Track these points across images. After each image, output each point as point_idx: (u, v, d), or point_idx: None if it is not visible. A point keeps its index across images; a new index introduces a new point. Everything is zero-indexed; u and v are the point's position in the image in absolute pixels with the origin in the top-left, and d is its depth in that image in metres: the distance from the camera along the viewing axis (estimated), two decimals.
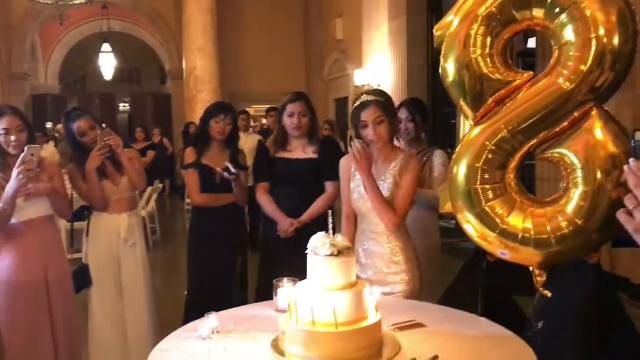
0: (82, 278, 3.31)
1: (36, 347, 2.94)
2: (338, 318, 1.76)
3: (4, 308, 2.90)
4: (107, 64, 16.09)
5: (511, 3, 2.06)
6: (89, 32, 16.40)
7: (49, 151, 9.81)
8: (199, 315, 2.08)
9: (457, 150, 2.24)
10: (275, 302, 2.27)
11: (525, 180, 5.80)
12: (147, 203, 7.81)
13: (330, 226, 1.93)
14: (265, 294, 2.70)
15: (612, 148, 1.93)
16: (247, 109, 9.69)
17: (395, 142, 3.45)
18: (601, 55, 1.90)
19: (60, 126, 9.78)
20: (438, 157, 3.34)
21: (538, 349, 1.91)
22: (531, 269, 2.18)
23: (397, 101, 3.84)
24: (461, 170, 2.16)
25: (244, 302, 3.30)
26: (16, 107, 3.16)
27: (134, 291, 3.40)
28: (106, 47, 15.51)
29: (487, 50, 2.11)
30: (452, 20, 2.20)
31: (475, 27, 2.10)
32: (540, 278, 2.15)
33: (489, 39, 2.11)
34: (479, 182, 2.12)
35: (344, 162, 2.79)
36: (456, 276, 3.63)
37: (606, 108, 2.04)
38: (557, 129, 2.03)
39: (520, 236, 2.05)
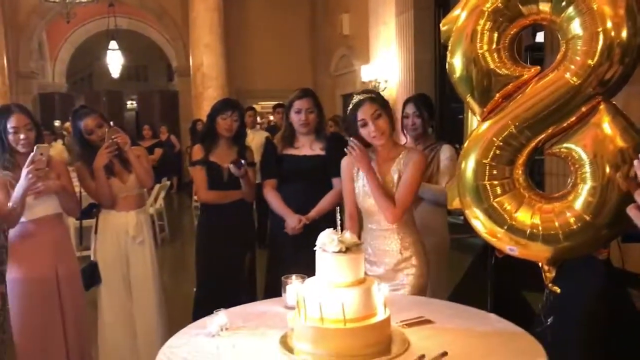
0: (91, 275, 3.32)
1: (48, 345, 2.96)
2: (346, 314, 1.76)
3: (16, 306, 2.92)
4: (114, 61, 16.12)
5: None
6: (95, 29, 16.45)
7: (57, 149, 9.87)
8: (208, 311, 2.09)
9: (465, 145, 2.23)
10: (283, 298, 2.27)
11: (534, 175, 5.79)
12: (155, 200, 7.83)
13: (339, 223, 1.93)
14: (274, 290, 2.71)
15: (620, 142, 1.92)
16: (254, 106, 9.70)
17: (402, 138, 3.45)
18: (609, 49, 1.89)
19: (68, 124, 9.83)
20: (445, 151, 3.33)
21: (547, 345, 1.90)
22: (540, 265, 2.17)
23: (404, 97, 3.84)
24: (469, 166, 2.16)
25: (252, 298, 3.32)
26: (23, 105, 3.17)
27: (142, 288, 3.41)
28: (113, 44, 15.54)
29: (494, 46, 2.10)
30: (459, 14, 2.19)
31: (482, 22, 2.09)
32: (549, 274, 2.14)
33: (495, 34, 2.09)
34: (487, 178, 2.12)
35: (344, 163, 2.79)
36: (465, 272, 3.63)
37: (615, 101, 2.03)
38: (565, 124, 2.01)
39: (528, 232, 2.04)
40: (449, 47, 2.20)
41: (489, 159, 2.10)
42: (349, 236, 1.88)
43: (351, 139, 2.64)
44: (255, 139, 6.66)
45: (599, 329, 2.63)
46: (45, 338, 2.95)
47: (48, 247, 2.97)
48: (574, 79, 1.95)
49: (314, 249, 1.88)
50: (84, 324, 3.17)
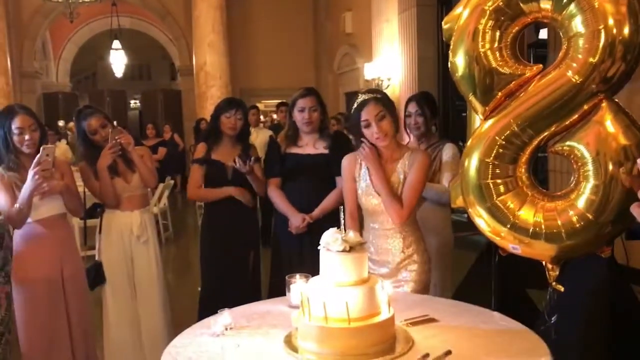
0: (95, 275, 3.33)
1: (54, 345, 2.97)
2: (351, 313, 1.76)
3: (22, 306, 2.93)
4: (118, 60, 16.13)
5: None
6: (98, 29, 16.47)
7: (62, 149, 9.90)
8: (214, 311, 2.10)
9: (468, 144, 2.23)
10: (287, 297, 2.28)
11: (538, 172, 5.79)
12: (159, 199, 7.84)
13: (342, 222, 1.94)
14: (278, 289, 2.72)
15: (622, 140, 1.92)
16: (257, 104, 9.70)
17: (405, 137, 3.44)
18: (611, 46, 1.89)
19: (71, 124, 9.85)
20: (447, 150, 3.32)
21: (551, 343, 1.90)
22: (544, 263, 2.17)
23: (407, 94, 3.83)
24: (472, 165, 2.16)
25: (256, 297, 3.32)
26: (27, 105, 3.18)
27: (147, 288, 3.42)
28: (116, 44, 15.55)
29: (496, 44, 2.10)
30: (461, 13, 2.18)
31: (484, 21, 2.09)
32: (552, 272, 2.14)
33: (497, 33, 2.10)
34: (490, 177, 2.12)
35: (345, 162, 2.78)
36: (469, 270, 3.62)
37: (617, 98, 2.02)
38: (567, 122, 2.02)
39: (531, 230, 2.04)
40: (451, 46, 2.20)
41: (491, 158, 2.10)
42: (352, 235, 1.88)
43: (362, 140, 2.62)
44: (259, 137, 6.67)
45: (603, 326, 2.63)
46: (51, 338, 2.96)
47: (53, 248, 2.98)
48: (576, 77, 1.95)
49: (318, 248, 1.89)
50: (89, 324, 3.19)
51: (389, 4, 9.20)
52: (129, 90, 19.26)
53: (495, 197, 2.12)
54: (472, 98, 2.18)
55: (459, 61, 2.17)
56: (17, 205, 2.76)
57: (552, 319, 2.46)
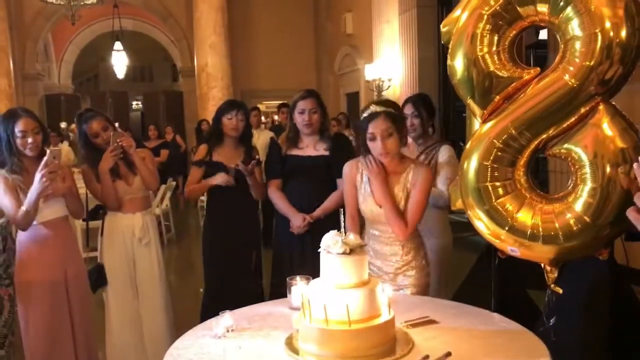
0: (97, 277, 3.35)
1: (57, 346, 2.98)
2: (351, 316, 1.78)
3: (26, 308, 2.95)
4: (119, 62, 16.15)
5: (515, 0, 2.05)
6: (100, 31, 16.48)
7: (64, 150, 9.92)
8: (216, 312, 2.11)
9: (467, 147, 2.24)
10: (288, 299, 2.29)
11: (538, 173, 5.79)
12: (161, 201, 7.85)
13: (342, 224, 1.95)
14: (279, 291, 2.73)
15: (619, 143, 1.93)
16: (258, 105, 9.71)
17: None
18: (608, 49, 1.89)
19: (73, 125, 9.86)
20: (443, 152, 3.31)
21: (551, 344, 1.91)
22: (542, 265, 2.18)
23: (408, 95, 3.84)
24: (471, 168, 2.17)
25: (258, 299, 3.34)
26: (29, 109, 3.20)
27: (149, 289, 3.43)
28: (118, 45, 15.57)
29: (494, 48, 2.11)
30: (459, 16, 2.19)
31: (481, 25, 2.10)
32: (551, 274, 2.15)
33: (495, 37, 2.10)
34: (488, 179, 2.13)
35: (347, 168, 2.76)
36: (469, 271, 3.63)
37: (618, 98, 2.03)
38: (565, 125, 2.02)
39: (529, 232, 2.05)
40: (450, 49, 2.21)
41: (490, 161, 2.11)
42: (353, 238, 1.89)
43: (368, 157, 2.58)
44: (260, 138, 6.68)
45: (603, 327, 2.63)
46: (54, 339, 2.98)
47: (57, 250, 3.00)
48: (573, 80, 1.95)
49: (319, 250, 1.90)
50: (91, 325, 3.20)
51: (389, 5, 9.21)
52: (131, 91, 19.28)
53: (493, 200, 2.13)
54: (470, 101, 2.19)
55: (457, 64, 2.18)
56: (23, 208, 2.78)
57: (551, 321, 2.47)
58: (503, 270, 3.03)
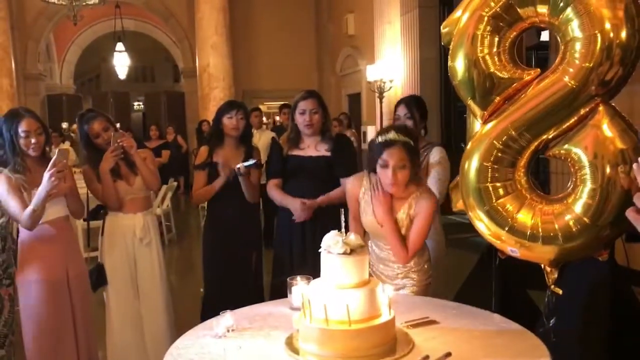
0: (98, 277, 3.35)
1: (59, 346, 2.99)
2: (351, 316, 1.78)
3: (29, 307, 2.96)
4: (121, 63, 16.19)
5: (515, 2, 2.05)
6: (102, 31, 16.51)
7: None
8: (217, 312, 2.11)
9: (468, 148, 2.24)
10: (289, 299, 2.29)
11: (539, 174, 5.79)
12: (162, 201, 7.87)
13: (343, 225, 1.95)
14: (279, 291, 2.73)
15: (619, 144, 1.93)
16: (260, 106, 9.72)
17: None
18: (608, 50, 1.89)
19: (75, 126, 9.87)
20: (435, 153, 3.29)
21: (551, 345, 1.91)
22: (542, 266, 2.18)
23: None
24: (472, 168, 2.17)
25: (258, 299, 3.34)
26: (31, 109, 3.20)
27: (149, 289, 3.43)
28: (120, 46, 15.61)
29: (495, 49, 2.11)
30: (460, 17, 2.19)
31: (482, 26, 2.10)
32: (551, 275, 2.15)
33: (496, 38, 2.11)
34: (489, 180, 2.13)
35: (349, 186, 2.72)
36: (470, 272, 3.63)
37: (618, 99, 2.03)
38: (565, 126, 2.02)
39: (528, 233, 2.05)
40: (450, 50, 2.21)
41: (490, 162, 2.11)
42: (353, 238, 1.90)
43: (375, 181, 2.54)
44: (262, 139, 6.69)
45: (603, 328, 2.64)
46: (57, 339, 2.99)
47: (59, 249, 3.01)
48: (572, 82, 1.95)
49: (319, 250, 1.91)
50: (92, 325, 3.21)
51: (391, 6, 9.22)
52: (133, 92, 19.32)
53: (494, 200, 2.13)
54: (470, 102, 2.19)
55: (458, 65, 2.18)
56: (31, 207, 2.79)
57: (551, 321, 2.47)
58: (503, 271, 3.04)
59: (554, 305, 2.45)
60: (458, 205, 2.39)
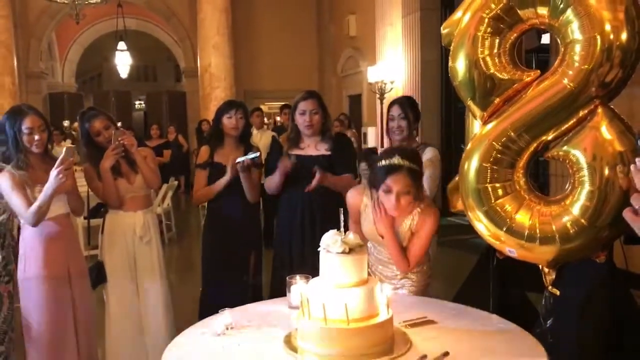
0: (97, 274, 3.36)
1: (61, 343, 3.00)
2: (350, 314, 1.79)
3: (32, 304, 2.96)
4: (123, 62, 16.20)
5: (515, 3, 2.06)
6: (104, 30, 16.52)
7: None
8: (214, 310, 2.12)
9: (467, 148, 2.25)
10: (288, 298, 2.30)
11: (539, 176, 5.80)
12: (163, 200, 7.88)
13: (342, 224, 1.96)
14: (278, 290, 2.74)
15: (617, 146, 1.93)
16: (261, 106, 9.73)
17: (386, 140, 3.44)
18: (608, 51, 1.89)
19: (76, 124, 9.88)
20: (428, 152, 3.28)
21: (548, 346, 1.92)
22: (540, 267, 2.19)
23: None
24: (471, 169, 2.17)
25: (257, 298, 3.35)
26: (34, 106, 3.22)
27: (149, 287, 3.44)
28: (122, 45, 15.62)
29: (495, 50, 2.11)
30: (461, 18, 2.20)
31: (482, 28, 2.11)
32: (549, 276, 2.16)
33: (497, 40, 2.11)
34: (488, 181, 2.13)
35: (351, 200, 2.69)
36: (469, 273, 3.64)
37: (618, 102, 2.04)
38: (563, 128, 2.02)
39: (526, 234, 2.06)
40: (452, 50, 2.22)
41: (490, 163, 2.12)
42: (352, 237, 1.91)
43: (377, 202, 2.50)
44: (263, 139, 6.70)
45: (600, 329, 2.64)
46: (58, 336, 2.99)
47: (61, 246, 3.02)
48: (571, 84, 1.96)
49: (318, 249, 1.91)
50: (92, 322, 3.22)
51: (392, 8, 9.23)
52: (134, 91, 19.32)
53: (493, 200, 2.13)
54: (470, 103, 2.20)
55: (458, 66, 2.19)
56: (37, 204, 2.80)
57: (548, 322, 2.48)
58: (501, 272, 3.04)
59: (551, 306, 2.46)
60: (458, 205, 2.40)
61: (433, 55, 8.47)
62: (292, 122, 3.42)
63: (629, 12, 1.88)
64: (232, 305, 2.23)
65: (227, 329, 2.06)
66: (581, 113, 1.98)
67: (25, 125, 2.90)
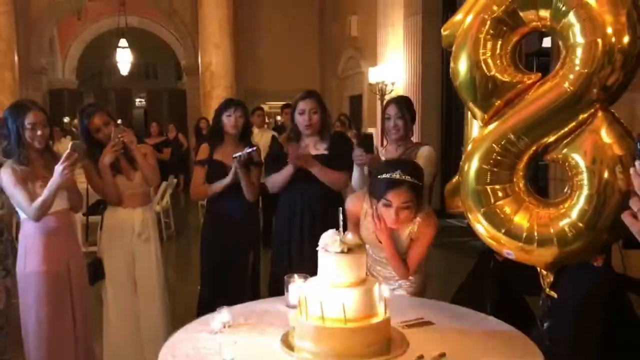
0: (95, 270, 3.36)
1: (59, 338, 3.00)
2: (347, 314, 1.79)
3: (32, 299, 2.96)
4: (124, 59, 16.19)
5: (517, 5, 2.06)
6: (106, 27, 16.52)
7: (67, 146, 9.93)
8: (212, 309, 2.12)
9: (468, 149, 2.25)
10: (285, 297, 2.30)
11: (538, 180, 5.80)
12: (162, 198, 7.88)
13: (341, 224, 1.96)
14: (277, 289, 2.74)
15: (617, 150, 1.93)
16: (262, 105, 9.73)
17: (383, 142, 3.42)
18: (609, 55, 1.89)
19: (77, 121, 9.87)
20: (424, 149, 3.26)
21: (545, 348, 1.92)
22: (538, 269, 2.19)
23: (411, 99, 3.82)
24: (471, 170, 2.17)
25: (255, 296, 3.35)
26: (36, 102, 3.21)
27: (147, 285, 3.45)
28: (123, 42, 15.61)
29: (497, 52, 2.11)
30: (464, 19, 2.20)
31: (484, 29, 2.11)
32: (547, 279, 2.16)
33: (498, 42, 2.11)
34: (488, 182, 2.13)
35: (350, 206, 2.67)
36: (466, 275, 3.64)
37: (619, 106, 2.04)
38: (563, 131, 2.02)
39: (524, 236, 2.06)
40: (453, 52, 2.22)
41: (489, 165, 2.12)
42: (351, 237, 1.91)
43: (376, 214, 2.49)
44: (263, 138, 6.70)
45: (596, 333, 2.64)
46: (56, 332, 2.99)
47: (61, 241, 3.02)
48: (572, 87, 1.95)
49: (317, 249, 1.92)
50: (90, 318, 3.22)
51: (394, 9, 9.24)
52: (135, 89, 19.30)
53: (492, 203, 2.14)
54: (471, 104, 2.20)
55: (460, 66, 2.19)
56: (42, 198, 2.80)
57: (545, 324, 2.48)
58: (499, 274, 3.04)
59: (548, 309, 2.46)
60: (455, 206, 2.40)
61: (434, 57, 8.48)
62: (292, 121, 3.42)
63: (631, 15, 1.88)
64: (230, 303, 2.24)
65: (224, 327, 2.06)
66: (581, 116, 1.98)
67: (28, 120, 2.90)
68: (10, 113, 2.93)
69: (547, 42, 6.32)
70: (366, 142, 3.23)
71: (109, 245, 3.41)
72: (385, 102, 3.46)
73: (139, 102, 20.98)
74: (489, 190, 2.13)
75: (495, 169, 2.12)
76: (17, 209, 2.97)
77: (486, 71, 2.12)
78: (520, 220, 2.08)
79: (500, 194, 2.13)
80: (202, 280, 3.77)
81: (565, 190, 2.08)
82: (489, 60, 2.12)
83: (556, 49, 4.96)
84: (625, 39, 1.88)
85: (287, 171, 3.31)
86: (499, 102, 2.13)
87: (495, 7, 2.09)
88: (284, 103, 8.70)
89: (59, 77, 16.64)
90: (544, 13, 2.03)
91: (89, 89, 19.44)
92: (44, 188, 2.83)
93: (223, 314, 2.08)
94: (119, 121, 3.46)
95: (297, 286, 2.13)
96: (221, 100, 3.93)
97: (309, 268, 2.10)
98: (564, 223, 1.99)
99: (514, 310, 3.07)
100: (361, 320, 1.82)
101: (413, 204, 2.42)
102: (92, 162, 3.34)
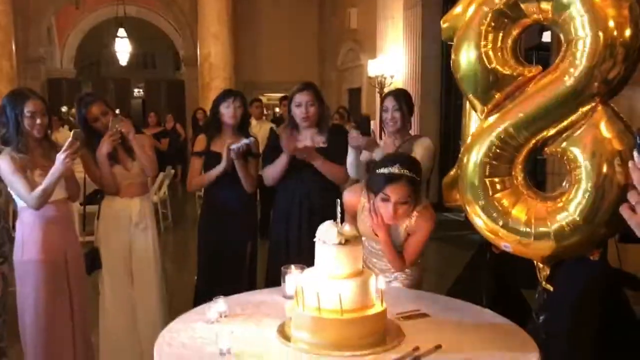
0: (92, 260, 3.36)
1: (57, 328, 3.00)
2: (343, 305, 1.80)
3: (29, 288, 2.96)
4: (122, 49, 16.13)
5: None
6: (104, 16, 16.45)
7: (64, 135, 9.92)
8: (209, 299, 2.12)
9: (467, 142, 2.25)
10: (282, 288, 2.31)
11: (536, 175, 5.81)
12: (159, 188, 7.87)
13: (338, 216, 1.96)
14: (273, 280, 2.74)
15: (616, 144, 1.93)
16: (260, 97, 9.71)
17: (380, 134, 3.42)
18: (611, 48, 1.88)
19: (74, 110, 9.84)
20: (422, 140, 3.26)
21: (541, 342, 1.93)
22: (535, 262, 2.19)
23: (411, 92, 3.81)
24: (470, 163, 2.17)
25: (252, 287, 3.35)
26: (35, 91, 3.20)
27: (144, 274, 3.44)
28: (121, 32, 15.55)
29: (498, 44, 2.11)
30: (465, 11, 2.19)
31: (486, 22, 2.10)
32: (543, 272, 2.17)
33: (500, 34, 2.11)
34: (487, 175, 2.13)
35: (347, 198, 2.66)
36: (463, 267, 3.65)
37: (619, 101, 2.04)
38: (563, 125, 2.02)
39: (522, 229, 2.06)
40: (454, 44, 2.21)
41: (489, 157, 2.12)
42: (348, 229, 1.91)
43: (373, 209, 2.47)
44: (262, 130, 6.69)
45: (592, 327, 2.65)
46: (54, 321, 2.99)
47: (60, 230, 3.02)
48: (573, 80, 1.95)
49: (314, 240, 1.92)
50: (87, 308, 3.22)
51: (394, 2, 9.22)
52: (133, 78, 19.24)
53: (490, 195, 2.14)
54: (472, 97, 2.20)
55: (461, 58, 2.18)
56: (42, 187, 2.80)
57: (541, 317, 2.49)
58: (495, 267, 3.05)
59: (544, 302, 2.47)
60: (453, 199, 2.40)
61: (434, 50, 8.47)
62: (289, 114, 3.41)
63: (633, 9, 1.88)
64: (227, 293, 2.24)
65: (220, 316, 2.07)
66: (582, 110, 1.97)
67: (28, 108, 2.88)
68: (9, 101, 2.91)
69: (546, 37, 6.30)
70: (363, 124, 3.21)
71: (106, 235, 3.40)
72: (383, 94, 3.45)
73: (137, 92, 20.93)
74: (487, 182, 2.13)
75: (494, 162, 2.12)
76: (14, 197, 2.96)
77: (487, 63, 2.12)
78: (518, 213, 2.08)
79: (498, 186, 2.13)
80: (199, 270, 3.76)
81: (564, 184, 2.08)
82: (490, 53, 2.11)
83: (556, 43, 4.95)
84: (627, 33, 1.88)
85: (280, 163, 3.31)
86: (499, 94, 2.13)
87: (497, 0, 2.08)
88: (282, 95, 8.69)
89: (57, 67, 16.57)
90: (546, 5, 2.02)
91: (87, 78, 19.38)
92: (43, 177, 2.82)
93: (219, 304, 2.09)
94: (117, 111, 3.44)
95: (294, 277, 2.13)
96: (219, 92, 3.92)
97: (307, 260, 2.10)
98: (561, 217, 2.00)
99: (510, 303, 3.08)
100: (357, 311, 1.82)
101: (411, 199, 2.41)
102: (89, 151, 3.33)
